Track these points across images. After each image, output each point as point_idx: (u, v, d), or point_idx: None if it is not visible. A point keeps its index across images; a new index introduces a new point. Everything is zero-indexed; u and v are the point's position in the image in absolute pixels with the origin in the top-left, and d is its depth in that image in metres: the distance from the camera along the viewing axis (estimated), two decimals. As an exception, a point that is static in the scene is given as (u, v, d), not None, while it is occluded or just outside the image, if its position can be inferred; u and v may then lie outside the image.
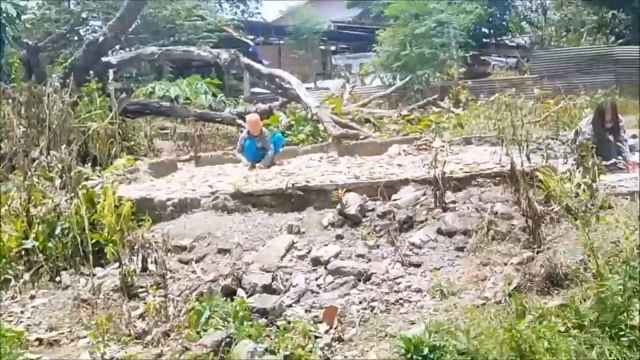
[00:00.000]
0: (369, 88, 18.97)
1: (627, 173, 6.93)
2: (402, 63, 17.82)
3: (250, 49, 22.02)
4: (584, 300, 4.21)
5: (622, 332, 3.76)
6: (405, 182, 6.95)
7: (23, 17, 19.80)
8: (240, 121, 12.17)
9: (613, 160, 7.31)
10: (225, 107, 14.24)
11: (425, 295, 4.96)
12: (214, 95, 15.88)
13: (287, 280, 5.46)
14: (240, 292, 5.20)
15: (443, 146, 9.09)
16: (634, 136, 8.53)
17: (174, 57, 14.91)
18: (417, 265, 5.47)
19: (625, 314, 3.84)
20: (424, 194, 6.60)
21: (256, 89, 20.39)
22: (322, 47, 27.83)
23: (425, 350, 3.87)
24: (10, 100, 9.89)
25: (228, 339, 4.36)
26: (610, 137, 7.49)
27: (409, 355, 3.90)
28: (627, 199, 5.55)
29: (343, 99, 14.73)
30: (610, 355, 3.65)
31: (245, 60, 13.39)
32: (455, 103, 14.85)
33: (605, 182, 6.15)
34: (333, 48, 29.15)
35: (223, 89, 17.70)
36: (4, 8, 15.03)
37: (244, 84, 21.06)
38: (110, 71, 12.56)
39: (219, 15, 25.62)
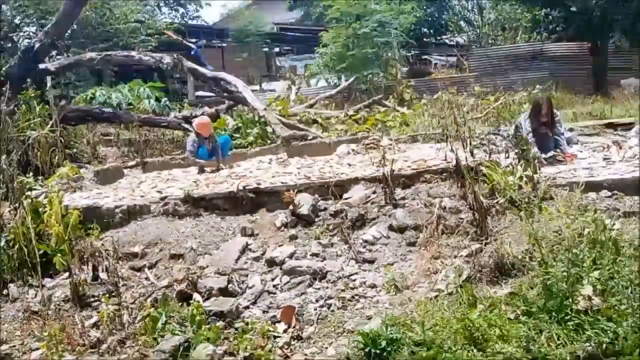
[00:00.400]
0: (314, 89, 19.10)
1: (565, 165, 7.25)
2: (346, 64, 18.01)
3: (192, 52, 21.75)
4: (531, 288, 4.40)
5: (568, 317, 3.95)
6: (356, 180, 7.06)
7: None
8: (186, 125, 12.01)
9: (551, 152, 7.62)
10: (170, 112, 14.03)
11: (380, 291, 5.07)
12: (158, 99, 15.66)
13: (243, 282, 5.49)
14: (196, 296, 5.18)
15: (390, 144, 9.26)
16: (570, 129, 8.93)
17: (115, 62, 14.58)
18: (371, 262, 5.58)
19: (570, 299, 4.03)
20: (374, 192, 6.72)
21: (201, 92, 20.19)
22: (266, 49, 27.78)
23: (383, 344, 3.96)
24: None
25: (186, 344, 4.35)
26: (547, 131, 7.80)
27: (367, 350, 3.98)
28: (566, 189, 5.80)
29: (289, 100, 14.78)
30: (558, 339, 3.83)
31: (189, 64, 13.22)
32: (400, 102, 15.14)
33: (545, 174, 6.43)
34: (277, 50, 29.13)
35: (167, 93, 17.47)
36: None
37: (187, 87, 20.81)
38: (48, 78, 12.17)
39: (158, 19, 25.19)
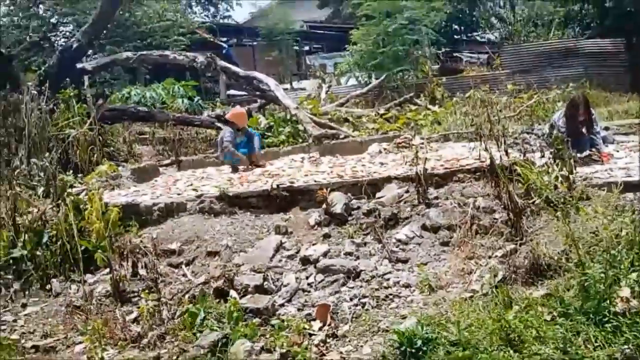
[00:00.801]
0: (345, 87, 19.10)
1: (602, 164, 7.15)
2: (377, 62, 17.98)
3: (224, 52, 21.98)
4: (568, 290, 4.37)
5: (606, 319, 3.92)
6: (388, 179, 7.08)
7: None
8: (219, 124, 12.18)
9: (587, 152, 7.53)
10: (203, 111, 14.23)
11: (414, 290, 5.10)
12: (191, 98, 15.89)
13: (277, 280, 5.55)
14: (232, 293, 5.27)
15: (422, 143, 9.25)
16: (606, 128, 8.80)
17: (150, 61, 14.85)
18: (405, 261, 5.61)
19: (607, 301, 4.01)
20: (407, 191, 6.74)
21: (232, 92, 20.39)
22: (296, 48, 27.88)
23: (419, 343, 4.00)
24: (-16, 110, 9.78)
25: (224, 339, 4.44)
26: (584, 130, 7.71)
27: (402, 349, 4.02)
28: (603, 190, 5.74)
29: (320, 99, 14.84)
30: (595, 341, 3.81)
31: (222, 63, 13.39)
32: (431, 100, 15.07)
33: (580, 174, 6.36)
34: (306, 48, 29.21)
35: (199, 92, 17.70)
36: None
37: (219, 86, 21.03)
38: (86, 77, 12.47)
39: (190, 18, 25.51)
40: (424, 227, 6.06)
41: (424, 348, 3.97)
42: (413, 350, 3.96)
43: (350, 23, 23.30)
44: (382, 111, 13.15)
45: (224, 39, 25.46)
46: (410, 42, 18.34)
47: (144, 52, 13.88)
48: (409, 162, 7.41)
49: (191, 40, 20.80)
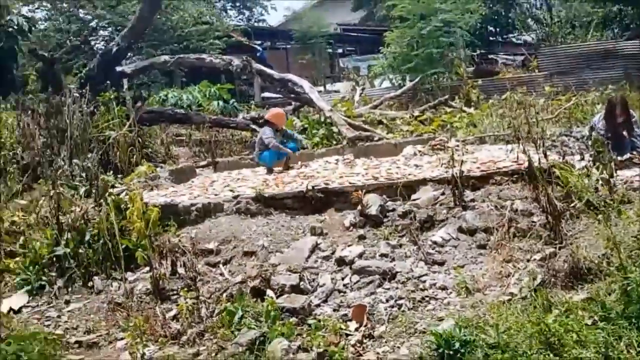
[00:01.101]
0: (378, 90, 19.07)
1: (643, 168, 7.00)
2: (411, 64, 17.90)
3: (258, 54, 22.19)
4: (609, 294, 4.31)
5: (649, 323, 3.86)
6: (424, 182, 7.07)
7: (35, 28, 20.15)
8: (254, 126, 12.32)
9: (628, 155, 7.38)
10: (238, 113, 14.40)
11: (450, 293, 5.08)
12: (226, 101, 16.09)
13: (313, 280, 5.60)
14: (269, 292, 5.33)
15: (458, 146, 9.19)
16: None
17: (187, 64, 15.09)
18: (441, 263, 5.59)
19: (650, 306, 3.94)
20: (443, 194, 6.72)
21: (266, 94, 20.56)
22: (329, 50, 27.96)
23: (457, 345, 3.98)
24: (29, 112, 10.08)
25: (262, 338, 4.49)
26: (624, 133, 7.56)
27: (440, 350, 4.01)
28: (645, 193, 5.64)
29: (354, 101, 14.86)
30: (638, 346, 3.75)
31: (257, 65, 13.54)
32: (466, 102, 14.92)
33: (621, 177, 6.24)
34: (340, 51, 29.25)
35: (233, 95, 17.91)
36: (16, 21, 15.24)
37: (254, 89, 21.23)
38: (125, 80, 12.75)
39: (226, 21, 25.83)
40: (460, 230, 6.03)
41: (462, 350, 3.95)
42: (451, 352, 3.95)
43: (384, 25, 23.26)
44: (416, 113, 13.10)
45: (258, 42, 25.69)
46: (444, 44, 18.21)
47: (181, 55, 14.14)
48: (445, 164, 7.38)
49: (226, 44, 21.06)
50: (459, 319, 4.33)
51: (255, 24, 29.39)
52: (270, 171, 9.13)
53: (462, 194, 6.48)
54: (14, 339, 4.43)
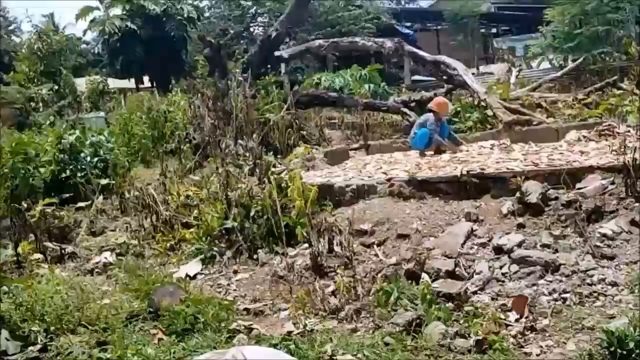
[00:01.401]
0: (536, 71, 18.08)
1: None
2: (574, 43, 16.72)
3: (409, 37, 22.00)
4: None
5: None
6: (590, 169, 6.64)
7: (203, 17, 21.78)
8: (405, 109, 12.30)
9: None
10: (389, 96, 14.43)
11: (622, 290, 4.74)
12: (377, 84, 16.20)
13: (469, 267, 5.51)
14: (424, 276, 5.34)
15: (629, 131, 8.47)
16: None
17: (341, 48, 15.35)
18: (611, 258, 5.23)
19: None
20: (613, 183, 6.27)
21: (417, 77, 20.38)
22: (482, 31, 26.92)
23: (631, 345, 3.73)
24: (199, 95, 10.94)
25: (418, 320, 4.53)
26: None
27: (612, 349, 3.78)
28: None
29: (510, 83, 14.22)
30: None
31: (409, 47, 13.45)
32: (638, 84, 13.61)
33: None
34: (494, 31, 28.06)
35: (384, 78, 17.96)
36: (185, 9, 16.56)
37: (404, 72, 21.13)
38: (282, 64, 13.33)
39: (376, 3, 25.87)
40: (632, 223, 5.60)
41: (637, 351, 3.69)
42: (624, 352, 3.70)
43: (541, 2, 21.90)
44: (580, 96, 12.22)
45: (409, 24, 25.45)
46: (612, 21, 16.75)
47: (335, 40, 14.42)
48: (615, 151, 6.85)
49: (376, 27, 21.14)
50: (633, 318, 4.04)
51: (406, 6, 29.07)
52: (422, 155, 9.09)
53: (635, 184, 5.99)
54: (192, 302, 4.90)
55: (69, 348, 4.06)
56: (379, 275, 5.55)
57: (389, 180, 7.37)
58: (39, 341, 4.17)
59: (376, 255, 6.06)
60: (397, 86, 18.30)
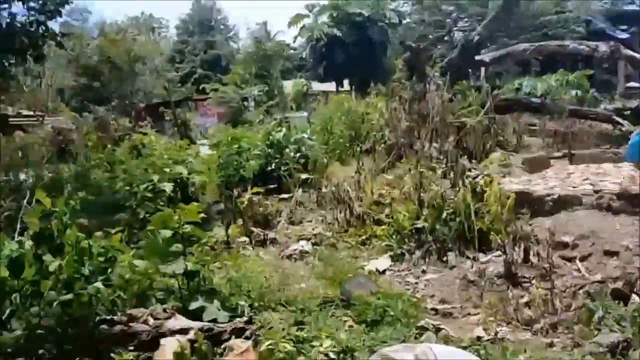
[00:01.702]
0: None
1: None
2: None
3: (626, 41, 19.96)
4: None
5: None
6: None
7: (404, 22, 22.12)
8: (617, 118, 11.23)
9: None
10: (599, 103, 13.28)
11: None
12: (586, 90, 15.01)
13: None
14: (634, 297, 4.86)
15: None
16: None
17: (546, 52, 14.53)
18: None
19: None
20: None
21: (632, 84, 18.42)
22: None
23: None
24: (397, 98, 11.11)
25: (625, 343, 4.14)
26: None
27: None
28: None
29: None
30: None
31: (627, 51, 12.24)
32: None
33: None
34: None
35: (594, 84, 16.57)
36: (388, 15, 16.89)
37: (617, 78, 19.26)
38: (482, 69, 12.98)
39: (588, 4, 23.89)
40: None
41: None
42: None
43: None
44: None
45: (623, 27, 23.09)
46: None
47: (542, 43, 13.67)
48: None
49: (587, 30, 19.56)
50: None
51: (624, 8, 26.35)
52: (639, 167, 8.22)
53: None
54: (382, 295, 5.00)
55: (270, 323, 4.38)
56: (581, 291, 5.19)
57: (597, 192, 6.84)
58: (245, 314, 4.56)
59: (578, 270, 5.66)
60: (609, 93, 16.72)
